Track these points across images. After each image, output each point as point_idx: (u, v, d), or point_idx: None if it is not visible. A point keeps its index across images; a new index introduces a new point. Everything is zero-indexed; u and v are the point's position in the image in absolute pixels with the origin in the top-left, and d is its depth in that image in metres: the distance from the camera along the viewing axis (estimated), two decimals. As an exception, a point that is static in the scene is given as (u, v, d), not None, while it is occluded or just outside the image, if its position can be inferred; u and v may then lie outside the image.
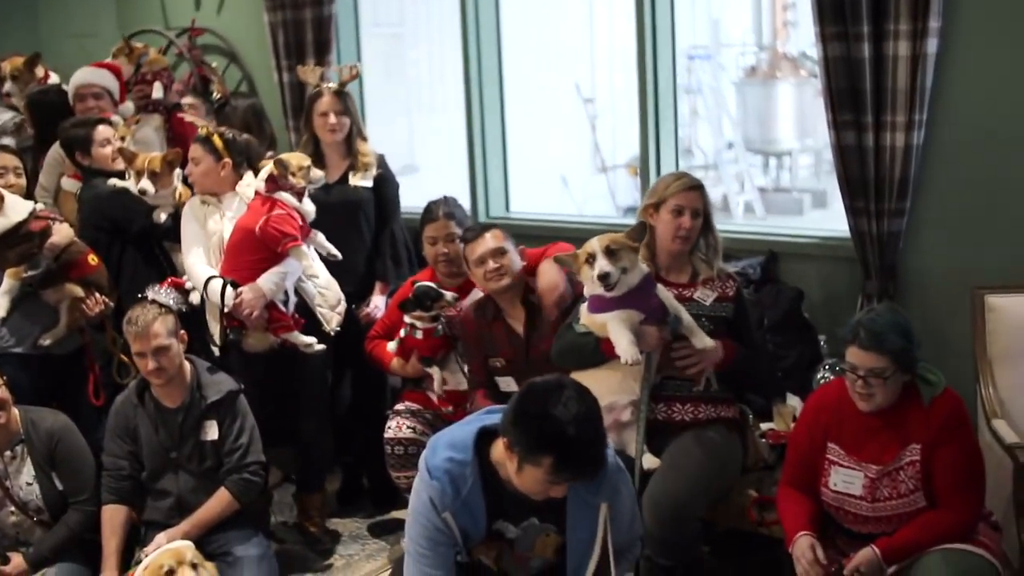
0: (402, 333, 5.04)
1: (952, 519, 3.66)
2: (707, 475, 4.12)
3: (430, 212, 5.18)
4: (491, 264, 4.67)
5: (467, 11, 6.31)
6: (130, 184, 5.30)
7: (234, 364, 5.03)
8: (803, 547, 3.75)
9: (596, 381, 3.93)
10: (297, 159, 5.06)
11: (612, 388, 4.14)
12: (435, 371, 5.01)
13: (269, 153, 5.62)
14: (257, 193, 5.03)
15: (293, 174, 4.98)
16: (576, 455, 3.27)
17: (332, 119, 5.46)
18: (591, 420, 3.31)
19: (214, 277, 5.02)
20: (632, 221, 6.06)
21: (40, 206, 5.12)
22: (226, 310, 4.96)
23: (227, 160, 5.16)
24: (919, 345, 3.71)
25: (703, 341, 4.21)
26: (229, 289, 4.95)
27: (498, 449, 3.43)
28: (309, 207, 5.10)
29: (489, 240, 4.70)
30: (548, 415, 3.24)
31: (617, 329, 4.07)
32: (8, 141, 6.04)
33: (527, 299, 4.75)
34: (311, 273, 5.10)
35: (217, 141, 5.18)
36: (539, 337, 4.68)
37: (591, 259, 4.11)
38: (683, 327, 4.21)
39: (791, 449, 4.06)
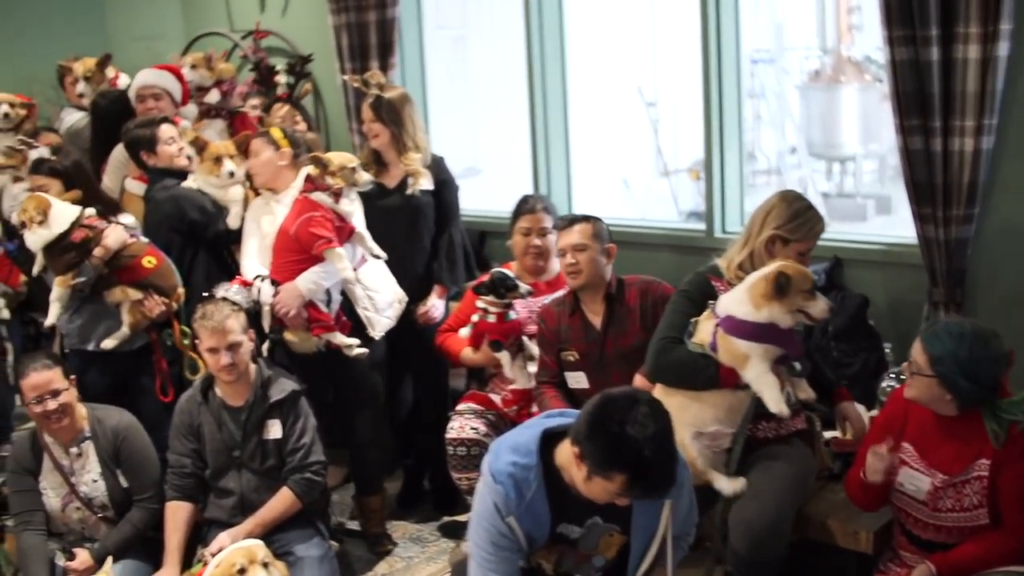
0: (474, 318, 5.04)
1: (1015, 543, 3.59)
2: (794, 492, 4.05)
3: (526, 203, 5.22)
4: (569, 258, 4.67)
5: (531, 13, 6.31)
6: (198, 179, 5.36)
7: (282, 365, 5.06)
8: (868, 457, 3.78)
9: (706, 407, 3.97)
10: (340, 159, 5.05)
11: (720, 417, 4.03)
12: (504, 356, 5.00)
13: None
14: (299, 193, 5.06)
15: (332, 174, 4.98)
16: (649, 476, 3.25)
17: (366, 126, 5.51)
18: (666, 440, 3.28)
19: (260, 276, 5.08)
20: (693, 226, 6.06)
21: (90, 212, 5.14)
22: (264, 308, 5.01)
23: (286, 150, 5.20)
24: (990, 384, 3.60)
25: (807, 393, 4.10)
26: (267, 287, 4.99)
27: (563, 453, 3.41)
28: (348, 207, 5.08)
29: (575, 233, 4.69)
30: (625, 436, 3.21)
31: (763, 373, 3.91)
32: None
33: (609, 294, 4.72)
34: (350, 277, 5.08)
35: (276, 133, 5.22)
36: (616, 333, 4.66)
37: (812, 292, 3.96)
38: (802, 377, 4.11)
39: (868, 436, 4.03)
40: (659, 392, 4.05)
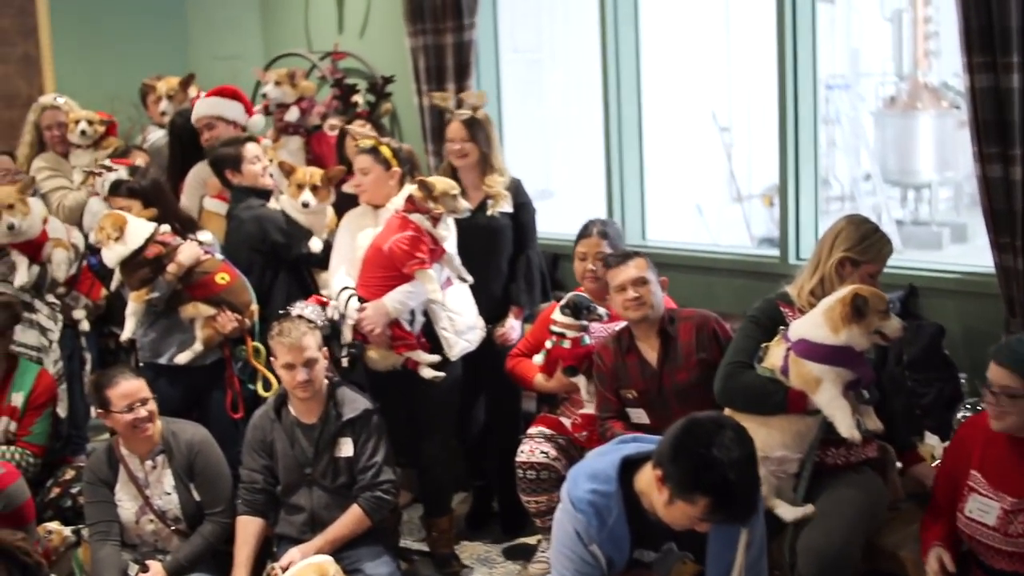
0: (548, 344, 5.02)
1: None
2: (863, 521, 4.00)
3: (585, 228, 5.21)
4: (631, 293, 4.64)
5: (607, 38, 6.31)
6: (282, 200, 5.41)
7: (360, 381, 5.10)
8: (931, 558, 3.72)
9: (773, 431, 3.95)
10: (443, 185, 5.04)
11: (787, 442, 4.01)
12: (581, 379, 4.96)
13: None
14: (397, 211, 5.07)
15: (435, 199, 4.99)
16: (733, 501, 3.25)
17: (455, 145, 5.47)
18: (750, 465, 3.29)
19: (346, 288, 5.11)
20: (767, 252, 6.03)
21: (164, 228, 5.21)
22: (349, 323, 5.04)
23: (396, 169, 5.24)
24: None
25: (875, 423, 4.06)
26: (354, 302, 5.02)
27: (643, 478, 3.41)
28: (445, 232, 5.10)
29: (632, 268, 4.67)
30: (710, 458, 3.22)
31: (836, 397, 3.90)
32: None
33: (663, 329, 4.71)
34: (437, 299, 5.08)
35: (386, 151, 5.24)
36: (673, 368, 4.63)
37: (886, 312, 3.94)
38: (870, 405, 4.08)
39: (937, 477, 3.99)
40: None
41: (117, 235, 5.06)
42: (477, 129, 5.48)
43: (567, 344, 4.93)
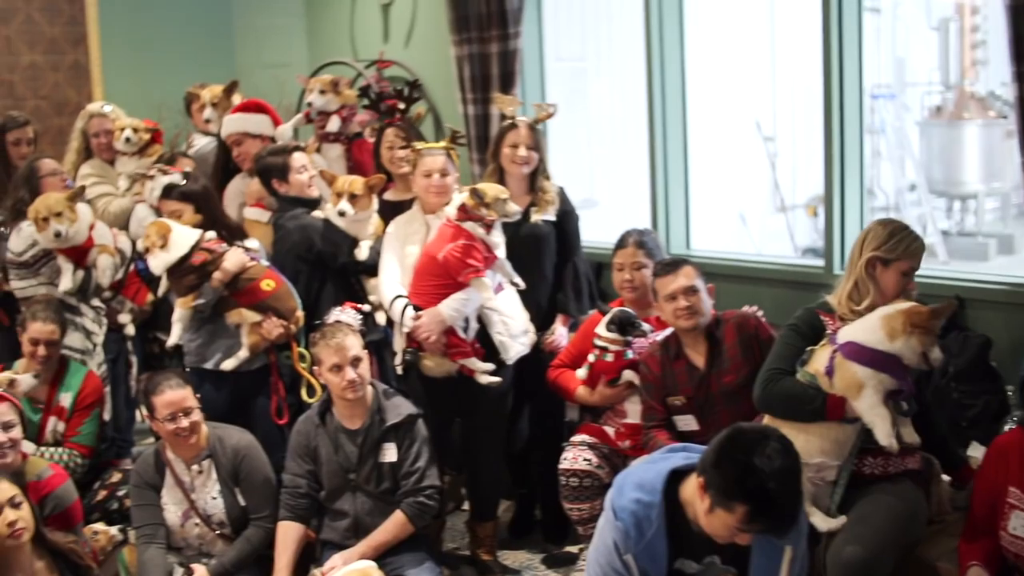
0: (591, 358, 5.02)
1: None
2: (896, 532, 3.96)
3: (622, 239, 5.20)
4: (681, 302, 4.64)
5: (652, 46, 6.31)
6: (327, 209, 5.44)
7: (414, 387, 5.12)
8: None
9: (812, 437, 3.93)
10: (494, 191, 5.06)
11: (825, 449, 4.00)
12: (629, 372, 4.94)
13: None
14: (448, 219, 5.09)
15: (487, 205, 5.00)
16: (771, 510, 3.24)
17: (522, 152, 5.43)
18: (792, 477, 3.28)
19: (400, 296, 5.12)
20: (811, 262, 6.01)
21: (210, 235, 5.27)
22: (404, 331, 5.06)
23: (457, 174, 5.29)
24: None
25: (912, 436, 4.04)
26: (409, 310, 5.04)
27: (689, 488, 3.41)
28: (497, 239, 5.12)
29: (682, 277, 4.66)
30: (751, 465, 3.22)
31: (876, 404, 3.90)
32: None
33: (710, 334, 4.71)
34: (491, 305, 5.11)
35: (455, 157, 5.30)
36: (720, 372, 4.63)
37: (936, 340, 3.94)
38: (908, 417, 4.05)
39: (974, 494, 3.96)
40: (766, 423, 4.07)
41: (162, 243, 5.11)
42: (540, 136, 5.52)
43: (610, 358, 4.94)
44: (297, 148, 5.66)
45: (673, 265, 4.75)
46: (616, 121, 8.94)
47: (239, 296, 5.19)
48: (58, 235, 5.58)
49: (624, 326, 4.91)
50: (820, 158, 5.71)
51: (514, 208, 5.11)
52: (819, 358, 4.05)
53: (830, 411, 3.98)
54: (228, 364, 5.20)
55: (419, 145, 5.37)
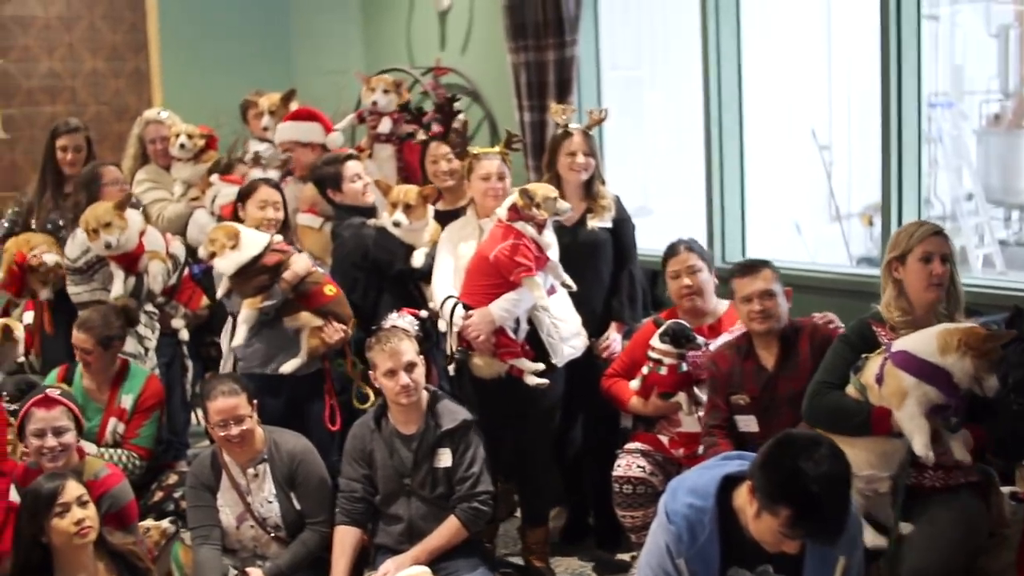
0: (644, 370, 5.03)
1: None
2: (959, 544, 3.94)
3: (671, 248, 5.19)
4: (756, 305, 4.63)
5: (708, 55, 6.29)
6: (383, 218, 5.48)
7: (466, 390, 5.15)
8: None
9: (860, 449, 3.90)
10: (543, 190, 5.08)
11: (872, 462, 3.98)
12: (681, 396, 4.95)
13: None
14: (499, 220, 5.11)
15: (538, 205, 5.02)
16: (814, 515, 3.23)
17: (580, 159, 5.43)
18: (839, 483, 3.27)
19: (451, 297, 5.15)
20: (867, 271, 5.97)
21: (278, 238, 5.33)
22: (454, 330, 5.08)
23: (510, 179, 5.33)
24: None
25: (963, 454, 3.99)
26: (459, 309, 5.06)
27: (742, 494, 3.41)
28: (549, 239, 5.13)
29: (760, 280, 4.65)
30: (796, 468, 3.22)
31: (917, 415, 3.87)
32: (272, 174, 6.30)
33: (784, 337, 4.69)
34: (543, 304, 5.12)
35: (508, 162, 5.34)
36: (789, 376, 4.59)
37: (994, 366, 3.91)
38: (958, 434, 4.01)
39: None
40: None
41: (233, 243, 5.15)
42: (594, 142, 5.53)
43: (664, 371, 4.94)
44: (350, 156, 5.71)
45: (752, 267, 4.74)
46: (671, 129, 8.91)
47: (303, 300, 5.24)
48: (108, 247, 5.63)
49: (678, 338, 4.90)
50: (876, 167, 5.66)
51: (565, 206, 5.12)
52: (871, 367, 4.05)
53: (874, 425, 3.97)
54: (287, 367, 5.24)
55: (475, 149, 5.41)
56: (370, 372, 4.85)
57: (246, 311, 5.21)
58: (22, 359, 6.11)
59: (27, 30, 7.84)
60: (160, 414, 5.57)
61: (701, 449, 4.80)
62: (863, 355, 4.12)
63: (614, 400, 5.26)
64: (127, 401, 5.43)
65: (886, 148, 5.56)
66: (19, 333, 6.10)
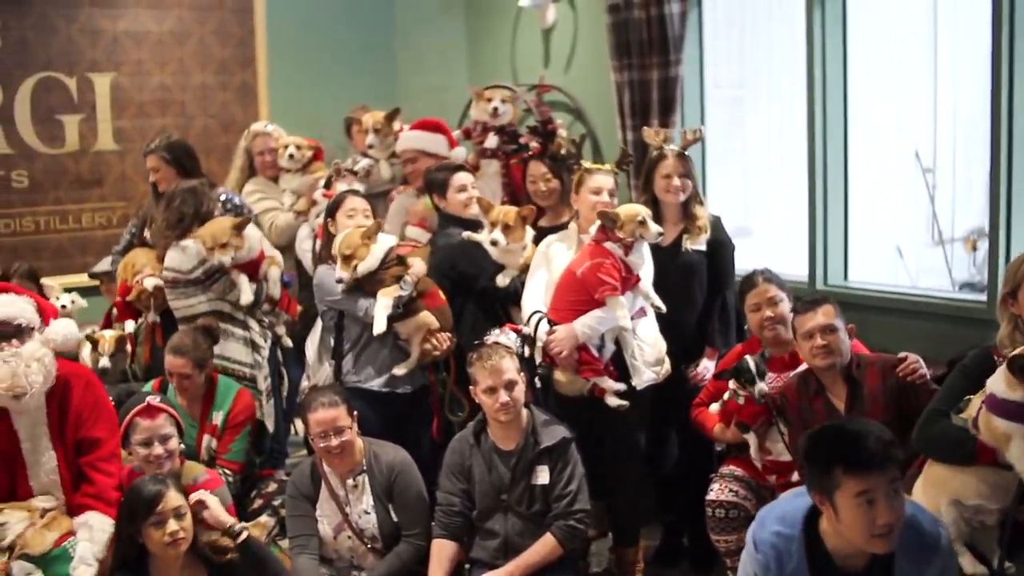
0: (725, 396, 5.02)
1: None
2: None
3: (749, 280, 5.16)
4: (818, 340, 4.60)
5: (814, 75, 6.23)
6: (483, 235, 5.53)
7: (550, 406, 5.14)
8: None
9: (969, 479, 3.87)
10: (628, 213, 5.09)
11: (982, 492, 3.92)
12: (752, 438, 4.94)
13: None
14: (591, 239, 5.14)
15: (620, 227, 5.04)
16: (858, 445, 3.25)
17: (675, 181, 5.42)
18: (853, 422, 3.44)
19: (537, 312, 5.18)
20: (968, 297, 5.87)
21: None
22: (538, 344, 5.10)
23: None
24: None
25: None
26: (544, 324, 5.08)
27: (825, 515, 3.39)
28: (639, 260, 5.13)
29: (820, 315, 4.62)
30: (820, 433, 3.38)
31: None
32: (358, 186, 6.37)
33: (850, 375, 4.65)
34: (626, 325, 5.09)
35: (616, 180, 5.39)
36: (860, 415, 4.51)
37: None
38: None
39: None
40: (927, 466, 4.06)
41: (371, 240, 5.28)
42: (691, 164, 5.50)
43: (741, 401, 4.92)
44: (461, 168, 5.76)
45: (813, 303, 4.71)
46: (773, 150, 8.84)
47: (425, 298, 5.35)
48: (223, 266, 5.74)
49: (739, 376, 4.88)
50: (980, 191, 5.59)
51: (655, 229, 5.10)
52: (973, 406, 3.99)
53: (981, 455, 3.91)
54: (399, 369, 5.35)
55: (587, 164, 5.43)
56: (470, 387, 4.88)
57: (384, 299, 5.25)
58: (124, 367, 6.22)
59: (140, 45, 8.01)
60: (251, 428, 5.60)
61: (795, 476, 4.77)
62: (966, 397, 4.06)
63: (700, 428, 5.24)
64: (218, 418, 5.48)
65: (995, 172, 5.46)
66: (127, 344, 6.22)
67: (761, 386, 4.81)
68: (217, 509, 4.48)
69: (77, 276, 7.36)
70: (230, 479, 5.36)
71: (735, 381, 4.89)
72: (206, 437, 5.47)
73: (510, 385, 4.72)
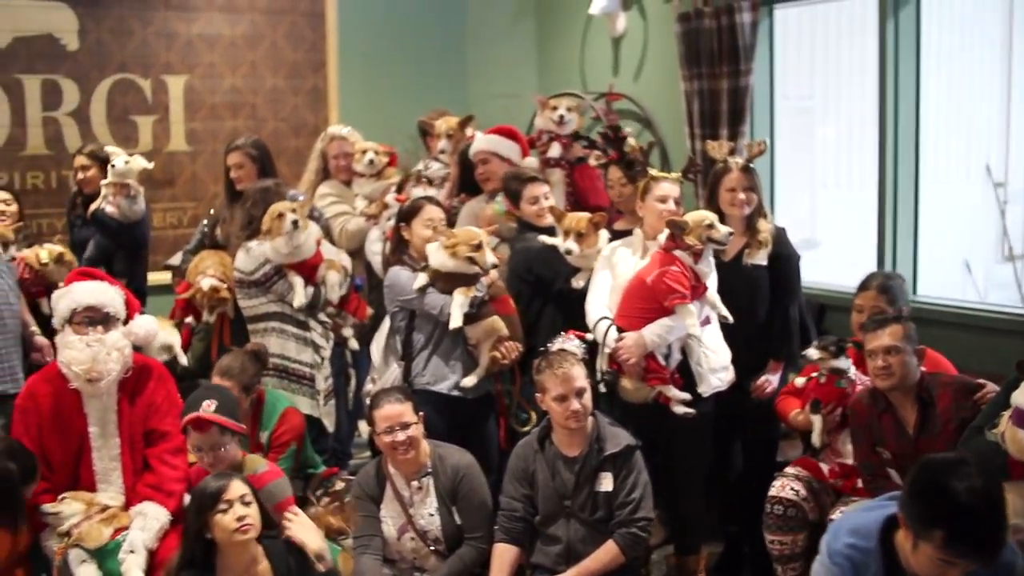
0: (812, 374, 5.07)
1: None
2: None
3: (865, 281, 5.21)
4: (880, 361, 4.60)
5: (886, 88, 6.17)
6: (558, 241, 5.55)
7: (615, 413, 5.13)
8: None
9: (1011, 494, 3.77)
10: (695, 219, 5.09)
11: (1018, 509, 3.85)
12: (817, 420, 4.96)
13: None
14: (660, 246, 5.14)
15: (688, 234, 5.04)
16: (970, 531, 3.16)
17: (740, 195, 5.40)
18: (989, 496, 3.19)
19: (604, 318, 5.19)
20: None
21: None
22: (606, 351, 5.11)
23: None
24: None
25: None
26: (612, 331, 5.09)
27: (901, 533, 3.37)
28: (707, 269, 5.14)
29: (886, 336, 4.61)
30: (944, 486, 3.17)
31: None
32: (433, 192, 6.41)
33: (920, 396, 4.62)
34: (695, 333, 5.11)
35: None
36: (930, 437, 4.53)
37: None
38: None
39: None
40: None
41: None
42: (756, 177, 5.48)
43: (823, 379, 4.96)
44: (535, 179, 5.79)
45: (882, 322, 4.70)
46: (841, 161, 8.81)
47: (496, 303, 5.39)
48: (295, 224, 5.76)
49: (829, 345, 4.93)
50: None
51: (724, 230, 5.10)
52: (1004, 421, 4.00)
53: (1013, 470, 3.92)
54: (468, 381, 5.37)
55: (654, 172, 5.44)
56: (536, 395, 4.90)
57: (460, 296, 5.28)
58: (184, 359, 6.27)
59: (213, 48, 8.10)
60: (298, 447, 5.52)
61: (861, 482, 4.76)
62: (1001, 413, 4.05)
63: (780, 415, 5.27)
64: (263, 437, 5.49)
65: (1068, 187, 5.41)
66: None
67: (848, 369, 4.89)
68: (303, 537, 4.54)
69: (149, 274, 7.44)
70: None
71: (822, 351, 4.93)
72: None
73: (580, 392, 4.73)
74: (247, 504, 4.29)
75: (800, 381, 5.17)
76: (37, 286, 6.12)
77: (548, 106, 6.70)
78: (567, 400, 4.71)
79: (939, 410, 4.56)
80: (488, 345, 5.36)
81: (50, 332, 5.52)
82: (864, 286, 5.14)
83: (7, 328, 5.48)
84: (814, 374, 5.06)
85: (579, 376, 4.75)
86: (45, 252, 6.20)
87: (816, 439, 4.98)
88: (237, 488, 4.30)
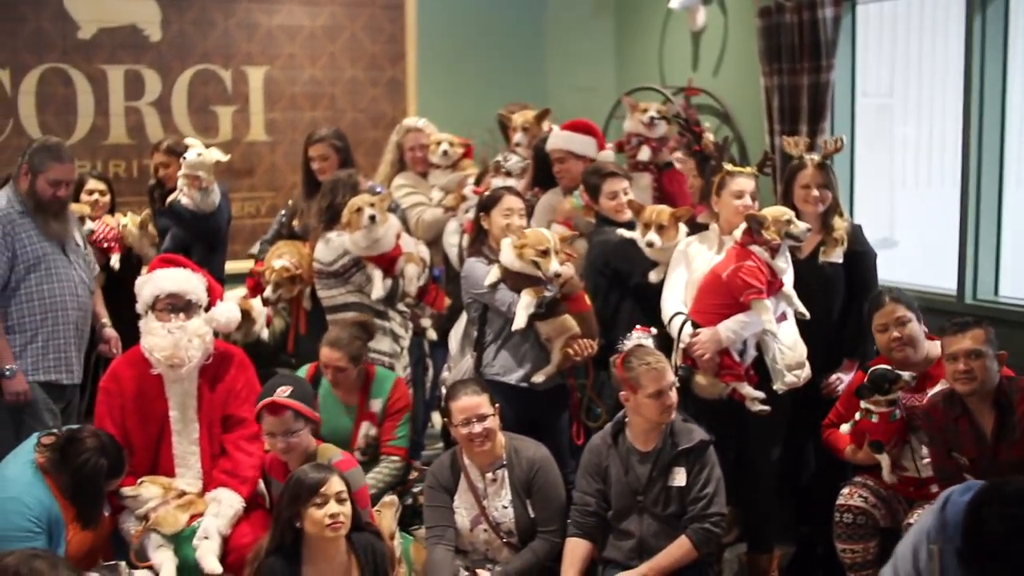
0: (856, 416, 4.94)
1: None
2: None
3: (876, 300, 5.07)
4: (961, 364, 4.51)
5: (972, 84, 6.06)
6: (637, 235, 5.54)
7: (688, 409, 5.10)
8: None
9: None
10: (774, 213, 5.08)
11: None
12: (884, 458, 4.88)
13: None
14: (736, 242, 5.13)
15: (767, 229, 5.02)
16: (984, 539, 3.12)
17: (814, 192, 5.37)
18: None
19: (679, 314, 5.18)
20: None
21: None
22: (681, 346, 5.10)
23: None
24: None
25: None
26: (688, 327, 5.08)
27: None
28: (783, 264, 5.11)
29: (967, 339, 4.53)
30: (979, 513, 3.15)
31: None
32: (513, 182, 6.42)
33: (998, 400, 4.55)
34: (771, 329, 5.08)
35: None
36: (1009, 443, 4.47)
37: None
38: None
39: None
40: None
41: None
42: (831, 174, 5.44)
43: (875, 419, 4.84)
44: (614, 174, 5.77)
45: (964, 325, 4.61)
46: (921, 159, 8.70)
47: (569, 301, 5.37)
48: (372, 219, 5.80)
49: (880, 385, 4.79)
50: None
51: (801, 227, 5.08)
52: None
53: None
54: (538, 377, 5.37)
55: (729, 167, 5.40)
56: (621, 393, 4.87)
57: (527, 298, 5.29)
58: (265, 333, 6.38)
59: (293, 39, 8.16)
60: (410, 415, 5.70)
61: (935, 488, 4.70)
62: None
63: (832, 450, 5.19)
64: (376, 405, 5.58)
65: None
66: (257, 312, 6.40)
67: (907, 376, 4.75)
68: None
69: (228, 263, 7.51)
70: (397, 465, 5.52)
71: (876, 394, 4.81)
72: (364, 424, 5.59)
73: (673, 386, 4.74)
74: (342, 502, 4.34)
75: (845, 428, 5.07)
76: (110, 242, 6.34)
77: (638, 109, 6.68)
78: (664, 395, 4.69)
79: (1019, 415, 4.48)
80: (560, 342, 5.35)
81: (118, 289, 5.76)
82: (878, 304, 5.01)
83: (68, 319, 5.51)
84: (861, 414, 4.92)
85: (670, 371, 4.76)
86: (129, 216, 6.41)
87: (887, 477, 4.90)
88: (335, 484, 4.35)
